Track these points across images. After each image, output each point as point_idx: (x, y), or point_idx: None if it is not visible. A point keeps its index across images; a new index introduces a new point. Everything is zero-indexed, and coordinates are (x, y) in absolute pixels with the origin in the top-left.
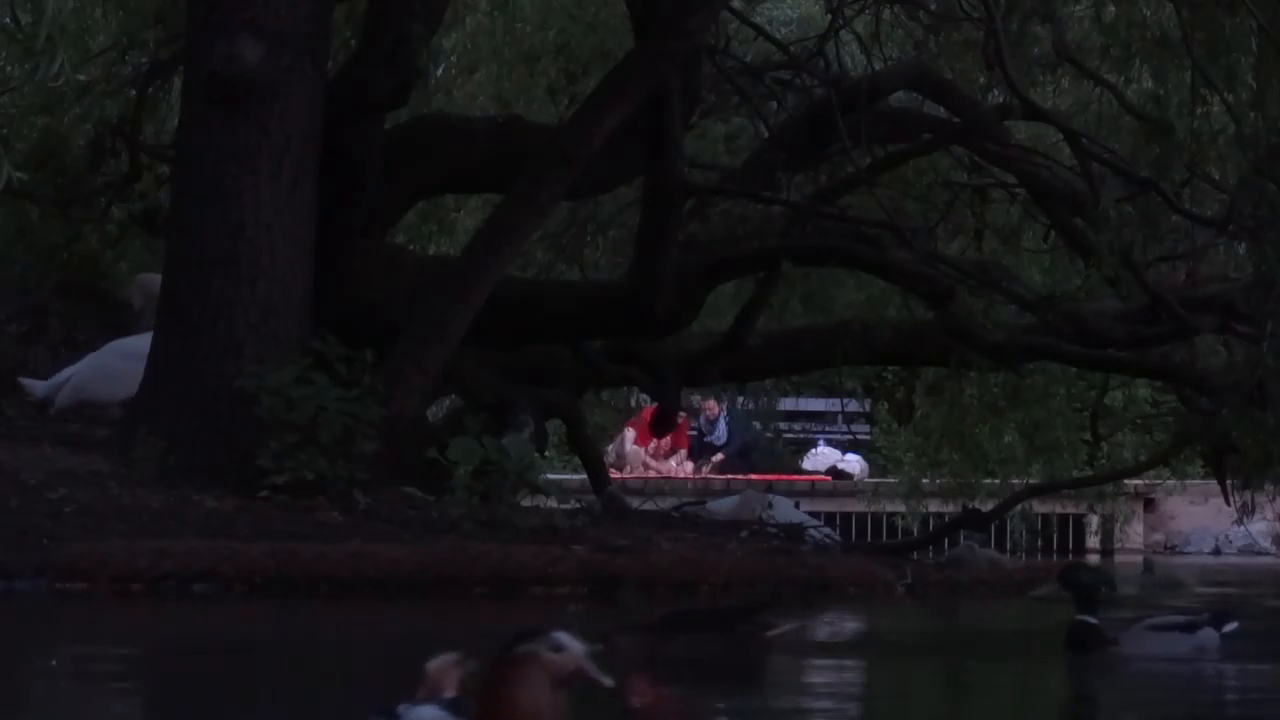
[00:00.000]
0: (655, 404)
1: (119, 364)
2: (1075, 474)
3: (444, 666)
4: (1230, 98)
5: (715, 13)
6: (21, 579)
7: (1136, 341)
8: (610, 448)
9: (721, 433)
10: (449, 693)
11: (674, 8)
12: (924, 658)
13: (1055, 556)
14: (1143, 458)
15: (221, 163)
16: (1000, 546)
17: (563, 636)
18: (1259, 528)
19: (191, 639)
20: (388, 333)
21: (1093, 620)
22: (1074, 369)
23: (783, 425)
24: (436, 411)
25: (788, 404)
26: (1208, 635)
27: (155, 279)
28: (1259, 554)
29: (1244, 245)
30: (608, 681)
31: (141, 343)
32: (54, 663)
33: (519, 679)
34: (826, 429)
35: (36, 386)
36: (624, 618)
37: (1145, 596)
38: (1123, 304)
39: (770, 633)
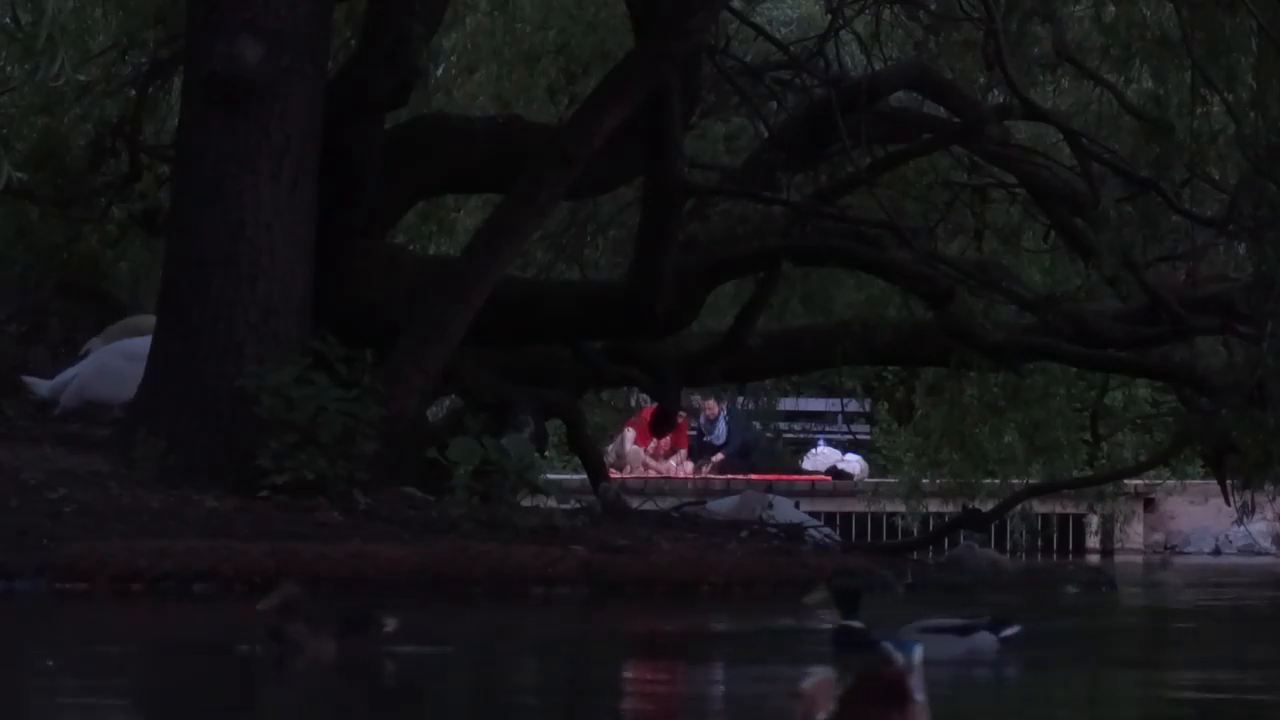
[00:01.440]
0: (655, 404)
1: (123, 364)
2: (1075, 474)
3: (820, 686)
4: (1230, 98)
5: (715, 13)
6: (21, 579)
7: (1136, 341)
8: (610, 448)
9: (721, 433)
10: (823, 714)
11: (674, 8)
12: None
13: (1055, 557)
14: (1143, 458)
15: (221, 163)
16: (1000, 546)
17: (890, 648)
18: (1259, 528)
19: (191, 639)
20: (388, 333)
21: (856, 624)
22: (1074, 369)
23: (783, 425)
24: (436, 411)
25: (788, 404)
26: (983, 639)
27: (132, 322)
28: (1259, 554)
29: (1244, 245)
30: (921, 698)
31: (146, 343)
32: (52, 663)
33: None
34: (826, 429)
35: (40, 385)
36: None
37: (1151, 595)
38: (1123, 304)
39: (386, 629)
